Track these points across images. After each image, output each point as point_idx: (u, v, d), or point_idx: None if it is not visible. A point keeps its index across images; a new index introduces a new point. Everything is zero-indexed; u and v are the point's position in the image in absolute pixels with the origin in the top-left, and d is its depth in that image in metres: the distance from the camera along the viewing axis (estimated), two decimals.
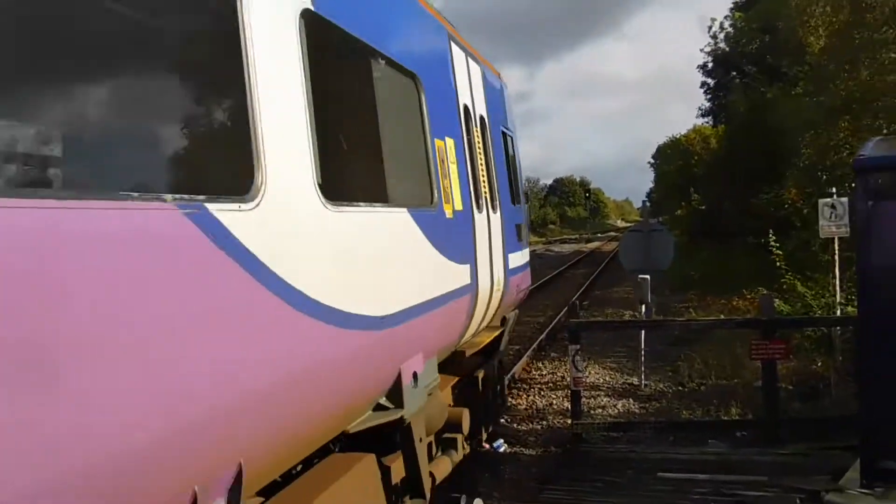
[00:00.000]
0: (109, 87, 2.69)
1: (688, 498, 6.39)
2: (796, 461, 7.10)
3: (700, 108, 44.85)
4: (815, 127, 17.19)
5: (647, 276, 11.06)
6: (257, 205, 2.77)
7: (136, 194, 2.28)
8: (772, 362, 8.05)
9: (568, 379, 9.61)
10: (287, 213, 3.03)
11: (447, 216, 5.47)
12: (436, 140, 5.35)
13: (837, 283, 10.37)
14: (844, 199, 9.71)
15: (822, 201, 9.93)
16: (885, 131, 14.31)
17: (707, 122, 45.05)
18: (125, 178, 2.46)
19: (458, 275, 5.65)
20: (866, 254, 6.05)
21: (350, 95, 4.52)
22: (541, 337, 14.75)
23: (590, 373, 11.69)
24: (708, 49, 38.56)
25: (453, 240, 5.59)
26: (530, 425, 9.44)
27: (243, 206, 2.71)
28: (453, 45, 6.40)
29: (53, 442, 1.91)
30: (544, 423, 9.49)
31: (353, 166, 4.36)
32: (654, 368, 11.81)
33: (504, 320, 8.18)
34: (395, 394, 4.46)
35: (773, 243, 13.14)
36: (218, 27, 2.90)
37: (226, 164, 2.98)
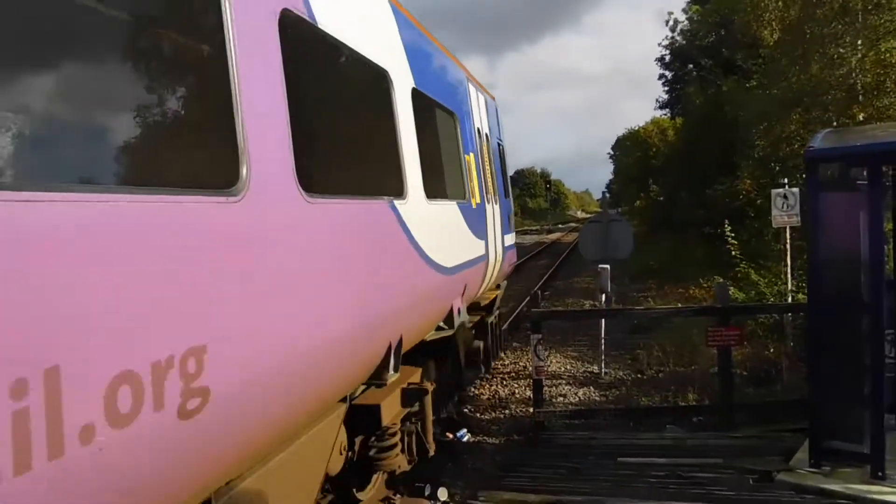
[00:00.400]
0: (358, 137, 5.09)
1: (647, 481, 6.53)
2: (750, 444, 7.32)
3: (658, 100, 45.41)
4: (768, 119, 17.55)
5: (607, 266, 11.19)
6: (406, 201, 5.20)
7: (375, 196, 4.75)
8: (727, 349, 8.25)
9: (530, 368, 9.73)
10: (415, 204, 5.41)
11: (473, 207, 7.82)
12: (465, 155, 7.84)
13: (789, 271, 10.65)
14: (796, 190, 9.95)
15: (774, 192, 10.14)
16: (834, 123, 14.72)
17: (665, 114, 45.64)
18: (371, 186, 4.87)
19: (479, 247, 8.01)
20: (816, 242, 6.21)
21: (430, 134, 6.52)
22: (503, 326, 14.82)
23: (551, 362, 11.84)
24: (665, 42, 39.18)
25: (476, 223, 7.94)
26: (493, 414, 9.52)
27: (402, 201, 5.12)
28: (470, 85, 8.87)
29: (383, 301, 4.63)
30: (507, 411, 9.58)
31: (433, 176, 6.35)
32: (614, 356, 11.99)
33: (499, 286, 10.75)
34: (449, 320, 6.88)
35: (728, 233, 13.43)
36: (382, 98, 5.17)
37: (396, 180, 5.21)
